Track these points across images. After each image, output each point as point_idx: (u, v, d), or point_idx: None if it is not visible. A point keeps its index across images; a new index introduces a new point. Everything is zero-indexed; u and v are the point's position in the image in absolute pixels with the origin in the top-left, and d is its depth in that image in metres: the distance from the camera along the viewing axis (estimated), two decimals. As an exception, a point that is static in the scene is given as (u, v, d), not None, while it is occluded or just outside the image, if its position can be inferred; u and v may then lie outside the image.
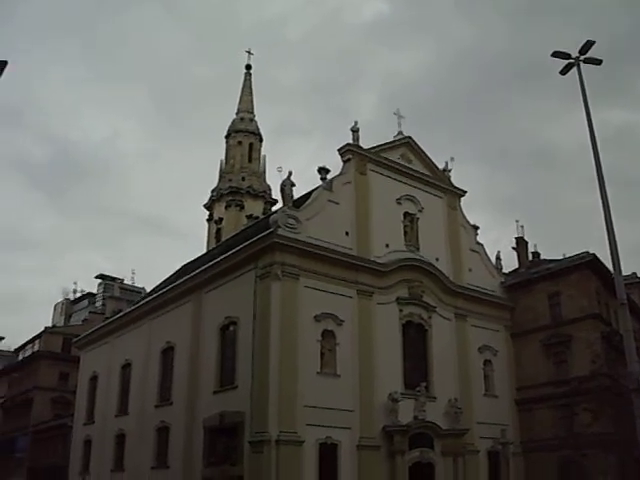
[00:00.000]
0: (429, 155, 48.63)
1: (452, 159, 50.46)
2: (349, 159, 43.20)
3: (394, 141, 46.97)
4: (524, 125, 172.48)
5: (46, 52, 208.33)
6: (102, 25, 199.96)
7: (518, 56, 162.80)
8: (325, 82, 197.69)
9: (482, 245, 51.06)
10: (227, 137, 78.86)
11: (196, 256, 61.70)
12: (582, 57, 27.06)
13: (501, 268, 51.85)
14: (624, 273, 27.12)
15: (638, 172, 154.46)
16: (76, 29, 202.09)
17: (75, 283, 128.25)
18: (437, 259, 45.54)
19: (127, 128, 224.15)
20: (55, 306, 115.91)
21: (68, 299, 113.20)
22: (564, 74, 27.54)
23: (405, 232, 44.78)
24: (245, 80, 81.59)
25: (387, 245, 42.94)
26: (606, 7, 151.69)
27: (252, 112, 79.57)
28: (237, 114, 79.26)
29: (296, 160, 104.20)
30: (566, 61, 27.28)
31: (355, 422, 37.77)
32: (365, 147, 44.12)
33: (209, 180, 77.05)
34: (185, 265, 60.20)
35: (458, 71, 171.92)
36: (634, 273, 60.01)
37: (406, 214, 45.21)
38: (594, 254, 46.43)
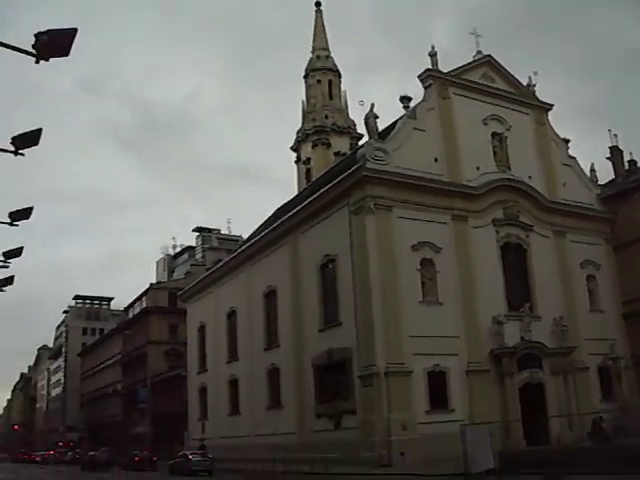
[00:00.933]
0: (511, 72, 47.36)
1: (535, 73, 48.94)
2: (430, 84, 42.46)
3: (474, 61, 45.85)
4: (606, 31, 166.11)
5: (123, 18, 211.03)
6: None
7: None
8: (398, 14, 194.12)
9: (575, 158, 49.68)
10: (305, 77, 78.35)
11: (288, 199, 62.20)
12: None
13: (596, 180, 50.42)
14: None
15: None
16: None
17: (174, 238, 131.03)
18: (530, 177, 44.57)
19: (206, 83, 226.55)
20: (157, 262, 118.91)
21: (169, 255, 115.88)
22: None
23: (494, 152, 43.92)
24: (316, 18, 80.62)
25: (478, 167, 42.26)
26: None
27: (327, 49, 78.68)
28: (312, 53, 78.59)
29: (377, 95, 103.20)
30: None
31: (462, 348, 37.87)
32: (445, 71, 43.30)
33: (293, 123, 77.04)
34: (279, 209, 60.73)
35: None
36: None
37: (494, 134, 44.28)
38: (696, 156, 44.77)
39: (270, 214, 62.50)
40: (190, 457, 42.44)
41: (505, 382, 38.52)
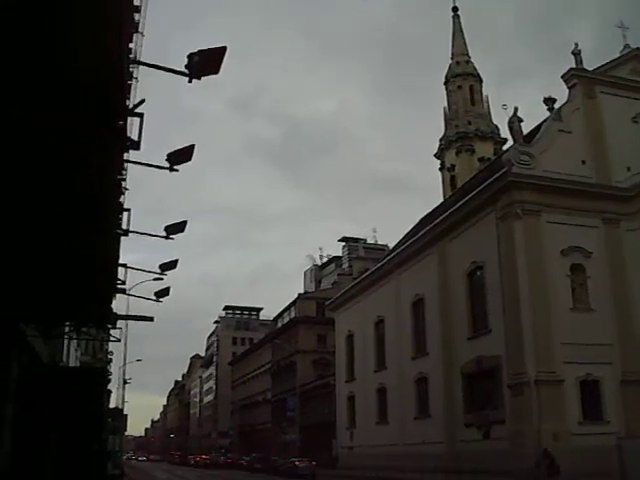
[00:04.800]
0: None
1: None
2: (574, 84, 41.27)
3: (621, 56, 44.09)
4: None
5: (270, 40, 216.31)
6: (315, 8, 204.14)
7: None
8: (540, 17, 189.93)
9: None
10: (446, 84, 77.73)
11: (434, 207, 61.88)
12: None
13: None
14: None
15: None
16: (293, 14, 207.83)
17: (321, 249, 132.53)
18: (688, 176, 42.47)
19: (350, 97, 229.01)
20: (305, 273, 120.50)
21: (316, 265, 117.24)
22: None
23: (647, 152, 42.18)
24: (454, 23, 79.94)
25: (628, 168, 40.55)
26: None
27: (467, 54, 77.80)
28: (452, 59, 77.94)
29: (520, 100, 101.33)
30: None
31: (616, 356, 36.39)
32: (590, 69, 42.02)
33: (436, 131, 76.65)
34: (424, 217, 60.48)
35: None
36: None
37: (645, 130, 42.51)
38: None
39: (416, 222, 62.35)
40: None
41: (665, 393, 36.78)
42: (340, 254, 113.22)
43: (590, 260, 37.58)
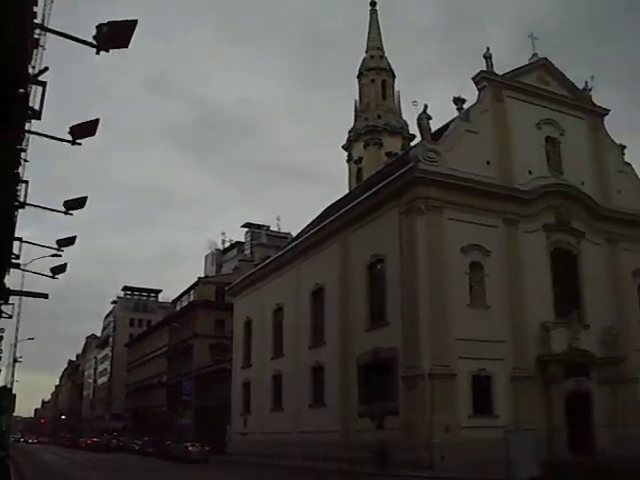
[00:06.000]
0: (567, 76, 46.78)
1: (592, 78, 48.25)
2: (484, 87, 42.23)
3: (529, 64, 45.38)
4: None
5: (189, 20, 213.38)
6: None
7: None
8: (456, 20, 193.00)
9: (630, 165, 48.76)
10: (359, 77, 78.24)
11: (339, 197, 62.19)
12: None
13: (655, 188, 49.47)
14: None
15: None
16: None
17: (223, 233, 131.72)
18: (583, 183, 43.93)
19: (267, 85, 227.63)
20: (206, 257, 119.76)
21: (218, 249, 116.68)
22: None
23: (548, 157, 43.48)
24: (371, 18, 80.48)
25: (530, 172, 41.87)
26: None
27: (381, 49, 78.49)
28: (366, 52, 78.47)
29: (432, 98, 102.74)
30: None
31: (508, 353, 37.49)
32: (499, 73, 42.98)
33: (347, 122, 77.02)
34: (329, 207, 60.74)
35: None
36: None
37: (547, 138, 43.81)
38: None
39: (320, 213, 62.58)
40: None
41: (551, 390, 38.11)
42: (243, 240, 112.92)
43: (489, 259, 38.50)
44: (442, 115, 42.52)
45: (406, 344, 36.23)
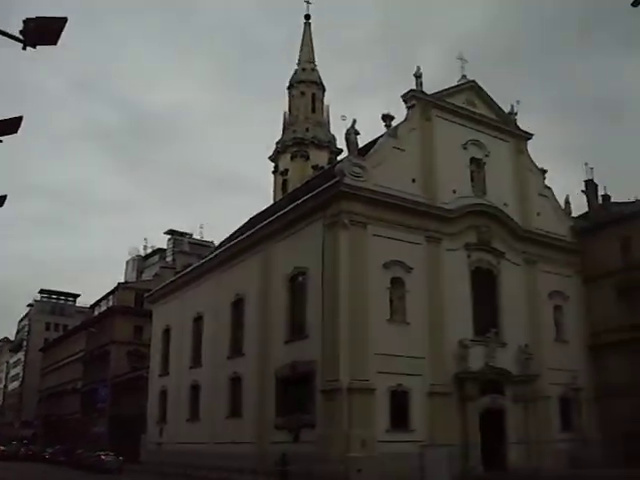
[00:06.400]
0: (494, 99, 47.77)
1: (518, 102, 49.29)
2: (413, 105, 42.67)
3: (458, 85, 46.21)
4: (589, 75, 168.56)
5: (122, 25, 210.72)
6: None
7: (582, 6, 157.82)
8: (388, 37, 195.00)
9: (550, 189, 50.05)
10: (289, 88, 78.32)
11: (263, 208, 61.96)
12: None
13: (570, 212, 50.80)
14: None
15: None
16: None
17: (145, 239, 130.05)
18: (505, 204, 44.89)
19: (197, 93, 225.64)
20: (127, 262, 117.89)
21: (140, 255, 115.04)
22: (636, 6, 26.63)
23: (472, 177, 44.27)
24: (305, 31, 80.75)
25: (454, 191, 42.49)
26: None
27: (313, 62, 78.68)
28: (298, 65, 78.64)
29: (361, 114, 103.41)
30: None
31: (426, 369, 37.80)
32: (429, 93, 43.49)
33: (275, 133, 77.10)
34: (253, 218, 60.44)
35: (524, 23, 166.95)
36: None
37: (472, 159, 44.62)
38: (669, 196, 45.26)
39: (243, 223, 62.27)
40: None
41: (466, 406, 38.61)
42: (165, 247, 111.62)
43: (410, 275, 38.77)
44: (372, 131, 42.86)
45: (325, 358, 36.16)
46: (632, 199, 50.48)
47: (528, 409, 41.45)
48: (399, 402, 36.41)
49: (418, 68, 43.07)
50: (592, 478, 36.65)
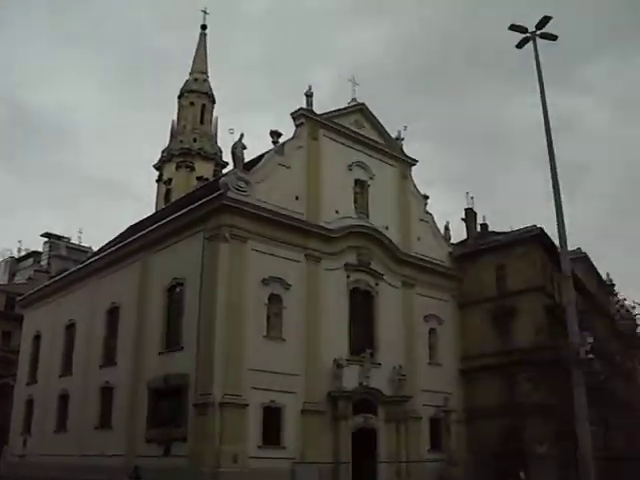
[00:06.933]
0: (382, 124, 48.58)
1: (405, 128, 50.49)
2: (302, 123, 42.88)
3: (347, 107, 46.75)
4: (476, 105, 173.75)
5: (9, 14, 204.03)
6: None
7: (473, 38, 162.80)
8: (283, 55, 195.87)
9: (431, 215, 51.29)
10: (180, 97, 77.72)
11: (145, 216, 60.96)
12: (538, 32, 27.15)
13: (449, 238, 52.15)
14: (569, 248, 27.55)
15: (576, 157, 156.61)
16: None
17: (20, 241, 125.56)
18: (386, 227, 45.64)
19: (84, 96, 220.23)
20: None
21: (13, 257, 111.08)
22: (520, 47, 27.67)
23: (355, 199, 44.82)
24: (200, 41, 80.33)
25: (337, 211, 42.90)
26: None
27: (206, 73, 78.36)
28: (190, 74, 78.08)
29: (250, 129, 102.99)
30: (523, 35, 27.33)
31: (300, 387, 37.85)
32: (319, 112, 43.83)
33: (163, 141, 76.13)
34: (133, 225, 59.37)
35: (414, 51, 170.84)
36: (578, 248, 60.76)
37: (357, 181, 45.22)
38: (541, 228, 46.97)
39: (123, 230, 61.08)
40: None
41: (339, 425, 38.81)
42: (41, 250, 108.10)
43: (289, 292, 38.81)
44: (261, 147, 42.75)
45: (199, 371, 35.71)
46: (508, 229, 51.99)
47: (400, 429, 42.10)
48: (272, 418, 36.32)
49: (309, 87, 43.45)
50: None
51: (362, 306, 43.33)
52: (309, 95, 43.34)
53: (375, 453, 40.73)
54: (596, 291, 61.81)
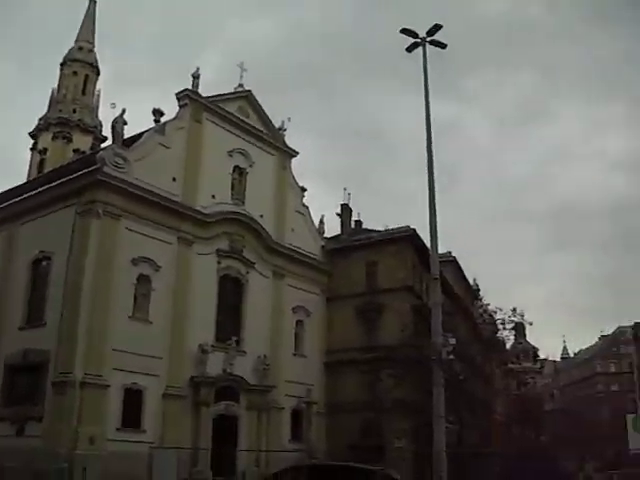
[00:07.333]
0: (267, 113, 48.55)
1: (289, 119, 50.45)
2: (186, 104, 42.34)
3: (233, 92, 46.58)
4: (361, 106, 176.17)
5: None
6: None
7: (365, 41, 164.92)
8: (175, 38, 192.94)
9: (308, 208, 51.71)
10: (62, 65, 74.85)
11: (15, 185, 58.47)
12: (429, 38, 27.55)
13: (323, 232, 52.78)
14: (439, 251, 28.18)
15: (454, 164, 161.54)
16: None
17: None
18: (261, 216, 45.64)
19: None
20: None
21: None
22: (410, 52, 28.03)
23: (233, 185, 44.62)
24: (88, 8, 77.46)
25: (213, 196, 42.62)
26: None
27: (92, 43, 75.70)
28: (76, 42, 75.37)
29: (134, 107, 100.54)
30: (413, 40, 27.68)
31: (163, 370, 37.37)
32: (204, 95, 43.37)
33: (42, 109, 73.25)
34: (1, 194, 57.01)
35: (304, 48, 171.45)
36: (449, 252, 62.37)
37: (236, 167, 45.04)
38: (414, 229, 48.01)
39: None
40: None
41: (201, 411, 38.62)
42: None
43: (158, 274, 38.23)
44: (143, 126, 41.67)
45: (61, 348, 34.56)
46: (381, 228, 52.82)
47: (261, 418, 42.32)
48: (132, 401, 35.66)
49: (197, 69, 42.97)
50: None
51: (231, 293, 43.25)
52: (196, 77, 42.79)
53: (235, 441, 40.65)
54: (463, 295, 63.69)
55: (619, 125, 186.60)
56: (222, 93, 45.37)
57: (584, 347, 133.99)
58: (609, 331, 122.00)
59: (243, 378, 41.42)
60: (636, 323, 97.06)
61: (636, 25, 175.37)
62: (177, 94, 42.46)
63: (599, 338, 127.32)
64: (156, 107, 41.24)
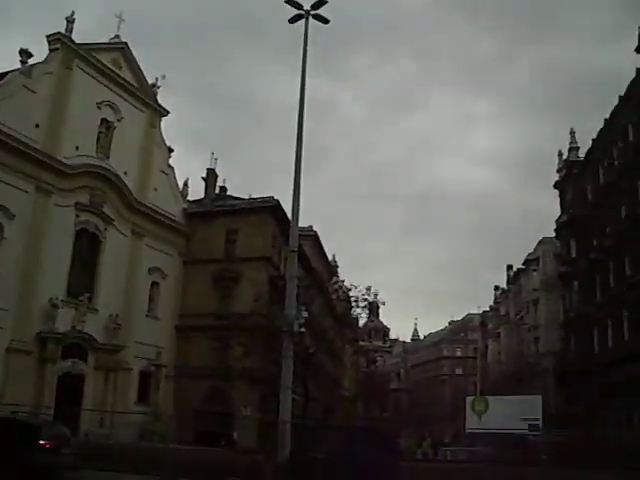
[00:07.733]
0: (142, 69, 47.35)
1: (164, 77, 49.76)
2: (57, 48, 40.50)
3: (108, 43, 45.14)
4: (239, 72, 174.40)
5: None
6: None
7: (252, 8, 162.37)
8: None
9: (173, 169, 50.87)
10: None
11: None
12: (312, 12, 27.27)
13: (187, 195, 52.06)
14: (301, 225, 28.23)
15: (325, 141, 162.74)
16: None
17: None
18: (125, 173, 44.56)
19: None
20: None
21: None
22: (292, 23, 27.68)
23: (99, 138, 43.23)
24: None
25: (77, 147, 41.16)
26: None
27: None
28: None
29: (2, 45, 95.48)
30: (297, 11, 27.37)
31: (8, 323, 35.79)
32: (78, 42, 41.61)
33: None
34: None
35: (189, 5, 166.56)
36: (310, 226, 62.72)
37: (104, 120, 43.62)
38: (277, 200, 47.94)
39: None
40: None
41: (45, 367, 37.37)
42: None
43: (12, 222, 36.51)
44: (11, 67, 39.44)
45: None
46: (246, 196, 52.48)
47: (109, 378, 41.44)
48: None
49: (72, 12, 41.20)
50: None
51: (87, 249, 42.17)
52: (70, 21, 41.04)
53: (80, 400, 39.49)
54: (321, 270, 64.17)
55: (489, 122, 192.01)
56: (97, 42, 43.79)
57: (434, 331, 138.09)
58: (459, 317, 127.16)
59: (92, 336, 40.39)
60: (484, 311, 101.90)
61: (514, 27, 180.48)
62: (48, 37, 40.56)
63: (449, 323, 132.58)
64: (24, 47, 39.31)
